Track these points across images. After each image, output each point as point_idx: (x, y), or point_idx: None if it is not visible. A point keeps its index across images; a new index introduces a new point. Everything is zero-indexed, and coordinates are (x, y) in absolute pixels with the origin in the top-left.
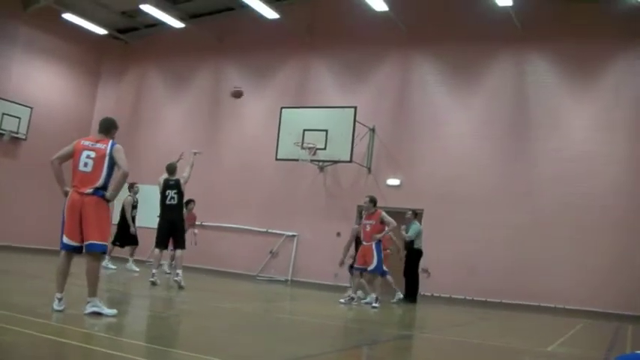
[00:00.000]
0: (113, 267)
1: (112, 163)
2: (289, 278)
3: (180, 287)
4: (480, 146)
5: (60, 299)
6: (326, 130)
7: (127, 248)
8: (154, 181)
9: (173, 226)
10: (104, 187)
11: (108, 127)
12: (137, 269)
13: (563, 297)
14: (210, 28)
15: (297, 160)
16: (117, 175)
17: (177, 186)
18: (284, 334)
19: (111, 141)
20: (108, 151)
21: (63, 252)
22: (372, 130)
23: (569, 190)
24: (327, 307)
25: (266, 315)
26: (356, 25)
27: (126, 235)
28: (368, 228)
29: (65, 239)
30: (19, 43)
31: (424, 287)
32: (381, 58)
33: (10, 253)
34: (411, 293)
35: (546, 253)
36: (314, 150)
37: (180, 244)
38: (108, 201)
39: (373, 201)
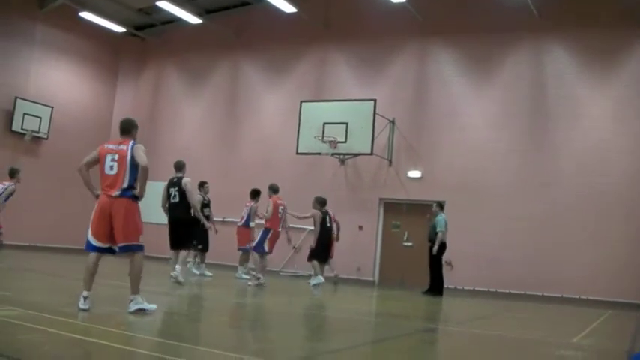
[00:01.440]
0: (209, 274)
1: (135, 163)
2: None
3: (178, 282)
4: (499, 137)
5: (86, 297)
6: (346, 124)
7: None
8: None
9: (176, 224)
10: (131, 187)
11: (128, 128)
12: (210, 274)
13: (585, 287)
14: (226, 23)
15: (318, 154)
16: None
17: (179, 184)
18: (308, 329)
19: (132, 141)
20: (129, 152)
21: (92, 253)
22: (392, 122)
23: (589, 180)
24: (351, 300)
25: (289, 310)
26: (373, 17)
27: (205, 237)
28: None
29: (92, 240)
30: (36, 42)
31: (447, 280)
32: (398, 50)
33: (33, 252)
34: (437, 286)
35: (567, 244)
36: (335, 143)
37: (182, 243)
38: (137, 199)
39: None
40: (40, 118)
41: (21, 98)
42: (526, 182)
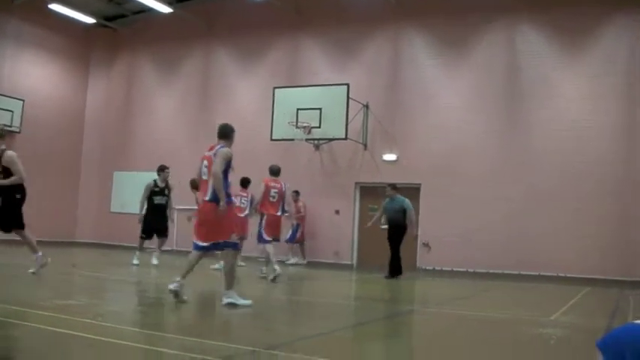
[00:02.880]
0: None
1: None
2: (289, 259)
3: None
4: (474, 119)
5: (178, 282)
6: (320, 109)
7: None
8: (148, 167)
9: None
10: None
11: (226, 133)
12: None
13: (563, 266)
14: (198, 12)
15: (292, 139)
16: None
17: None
18: (289, 316)
19: (218, 146)
20: (214, 157)
21: (196, 252)
22: (366, 106)
23: (566, 160)
24: (329, 285)
25: (270, 297)
26: (345, 1)
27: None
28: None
29: (197, 241)
30: (8, 35)
31: (425, 261)
32: (371, 34)
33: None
34: (397, 269)
35: (545, 223)
36: (309, 129)
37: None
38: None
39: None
40: (12, 111)
41: None
42: (503, 163)
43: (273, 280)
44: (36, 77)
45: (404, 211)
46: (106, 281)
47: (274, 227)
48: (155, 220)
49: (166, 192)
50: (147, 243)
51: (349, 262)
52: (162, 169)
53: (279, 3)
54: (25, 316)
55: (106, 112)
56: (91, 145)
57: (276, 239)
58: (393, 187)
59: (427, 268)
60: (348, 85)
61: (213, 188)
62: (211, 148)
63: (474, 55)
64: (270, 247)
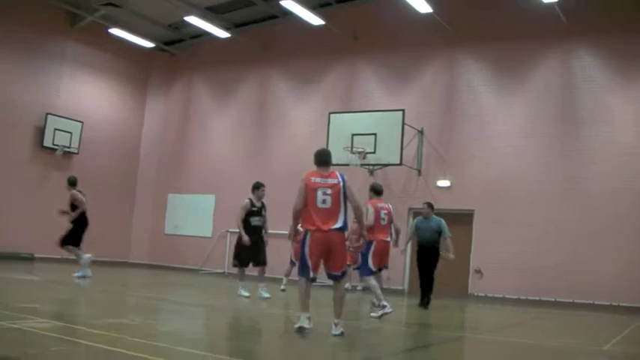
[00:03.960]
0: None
1: (345, 197)
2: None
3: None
4: (528, 144)
5: (309, 317)
6: (375, 134)
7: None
8: (202, 190)
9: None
10: (345, 222)
11: (328, 160)
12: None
13: (617, 294)
14: (254, 36)
15: (347, 164)
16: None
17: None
18: (338, 339)
19: (339, 175)
20: (341, 186)
21: (305, 280)
22: (421, 132)
23: (620, 186)
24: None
25: (320, 320)
26: (400, 27)
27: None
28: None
29: (310, 272)
30: (67, 59)
31: (477, 288)
32: (426, 60)
33: (64, 265)
34: (427, 298)
35: (597, 250)
36: (364, 154)
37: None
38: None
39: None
40: (71, 133)
41: (52, 114)
42: (556, 189)
43: (379, 317)
44: (94, 100)
45: (439, 233)
46: (160, 302)
47: (384, 255)
48: (252, 246)
49: (263, 212)
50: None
51: (400, 288)
52: (257, 187)
53: (335, 28)
54: (77, 334)
55: (162, 135)
56: (147, 167)
57: (383, 268)
58: (430, 205)
59: (479, 294)
60: (403, 110)
61: (344, 218)
62: (325, 176)
63: (529, 80)
64: (373, 279)
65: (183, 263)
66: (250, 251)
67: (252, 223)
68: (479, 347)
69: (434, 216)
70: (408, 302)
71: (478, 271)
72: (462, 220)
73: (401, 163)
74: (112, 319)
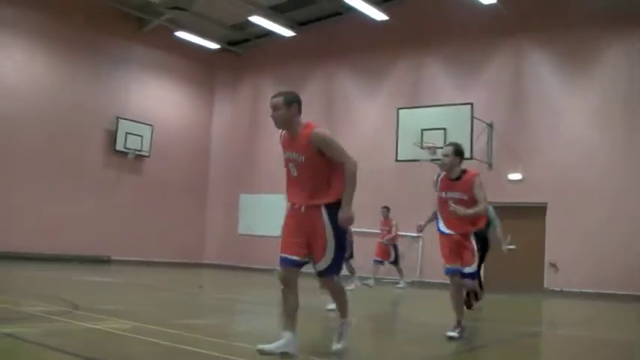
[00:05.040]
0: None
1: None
2: (417, 279)
3: None
4: (600, 134)
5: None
6: (444, 129)
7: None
8: (273, 190)
9: None
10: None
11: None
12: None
13: None
14: (318, 34)
15: (417, 160)
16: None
17: None
18: (410, 335)
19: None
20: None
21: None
22: (490, 125)
23: None
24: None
25: (392, 318)
26: (464, 19)
27: None
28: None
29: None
30: (135, 63)
31: (552, 282)
32: (492, 52)
33: (140, 267)
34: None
35: None
36: (434, 149)
37: None
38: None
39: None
40: (142, 136)
41: (122, 118)
42: (632, 179)
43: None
44: (163, 103)
45: (487, 222)
46: (239, 302)
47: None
48: None
49: None
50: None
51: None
52: None
53: (399, 23)
54: (156, 334)
55: (232, 135)
56: (218, 168)
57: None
58: None
59: (554, 289)
60: (472, 104)
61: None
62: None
63: (598, 68)
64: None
65: (257, 263)
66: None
67: None
68: (555, 342)
69: None
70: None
71: (553, 266)
72: (535, 213)
73: (471, 158)
74: (190, 319)
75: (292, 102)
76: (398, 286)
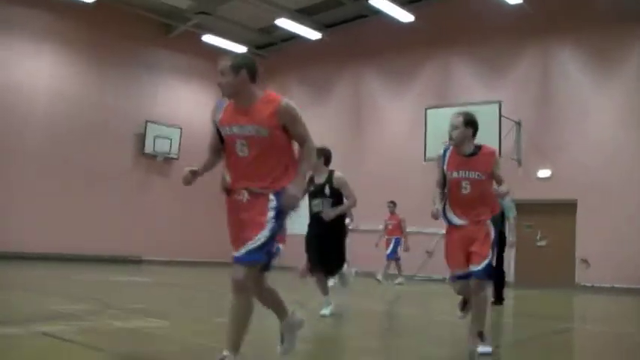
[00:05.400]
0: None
1: None
2: (447, 277)
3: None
4: (628, 131)
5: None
6: None
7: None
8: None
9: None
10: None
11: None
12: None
13: None
14: (345, 36)
15: None
16: None
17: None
18: (438, 335)
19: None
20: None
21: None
22: (518, 123)
23: None
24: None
25: (424, 315)
26: (491, 19)
27: None
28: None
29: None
30: (163, 67)
31: (584, 278)
32: (519, 50)
33: (169, 267)
34: (499, 293)
35: None
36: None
37: None
38: None
39: None
40: (170, 139)
41: (151, 122)
42: None
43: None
44: (191, 106)
45: (502, 215)
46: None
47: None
48: None
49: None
50: None
51: (507, 279)
52: None
53: (426, 24)
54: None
55: None
56: None
57: None
58: None
59: (586, 284)
60: (500, 102)
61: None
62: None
63: (626, 68)
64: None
65: (284, 262)
66: None
67: None
68: (587, 338)
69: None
70: (515, 293)
71: (584, 262)
72: (565, 210)
73: (500, 156)
74: (222, 317)
75: (240, 67)
76: (396, 281)
